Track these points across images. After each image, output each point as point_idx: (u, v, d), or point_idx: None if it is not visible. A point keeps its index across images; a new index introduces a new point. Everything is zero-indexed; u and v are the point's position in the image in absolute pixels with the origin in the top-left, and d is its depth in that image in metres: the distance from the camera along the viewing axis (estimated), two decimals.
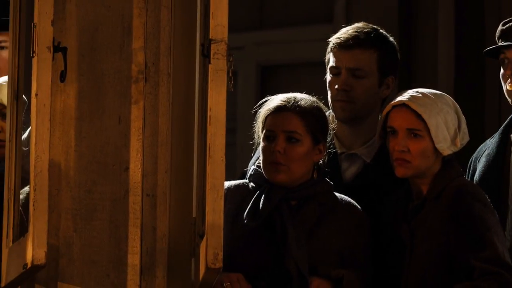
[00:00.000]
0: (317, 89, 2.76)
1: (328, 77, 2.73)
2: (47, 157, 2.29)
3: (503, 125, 2.73)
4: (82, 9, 2.43)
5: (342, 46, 2.69)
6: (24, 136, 2.38)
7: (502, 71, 2.63)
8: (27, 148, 2.32)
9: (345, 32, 2.72)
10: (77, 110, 2.43)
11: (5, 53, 3.22)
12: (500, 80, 2.69)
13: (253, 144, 2.64)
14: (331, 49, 2.73)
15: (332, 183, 2.50)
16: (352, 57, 2.68)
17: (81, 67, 2.43)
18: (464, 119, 2.47)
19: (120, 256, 2.41)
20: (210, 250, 2.13)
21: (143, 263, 2.41)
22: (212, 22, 2.23)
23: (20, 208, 2.40)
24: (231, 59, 2.19)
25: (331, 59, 2.72)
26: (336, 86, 2.67)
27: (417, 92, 2.40)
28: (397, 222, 2.46)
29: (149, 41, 2.43)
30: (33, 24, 2.31)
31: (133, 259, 2.42)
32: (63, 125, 2.43)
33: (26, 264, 2.25)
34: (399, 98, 2.43)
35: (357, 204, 2.48)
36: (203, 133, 2.30)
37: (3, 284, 2.45)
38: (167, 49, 2.46)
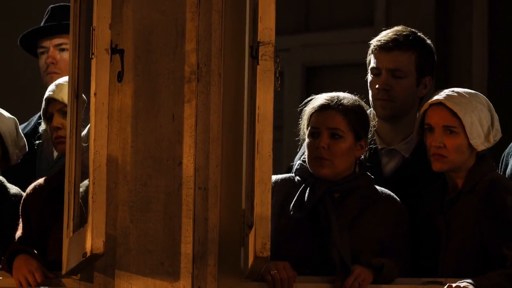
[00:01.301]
0: (359, 89, 2.87)
1: (369, 77, 2.81)
2: (105, 153, 2.38)
3: None
4: (138, 13, 2.52)
5: (382, 48, 2.77)
6: (84, 132, 2.47)
7: None
8: (86, 144, 2.41)
9: (385, 35, 2.81)
10: (133, 109, 2.51)
11: (66, 55, 3.32)
12: None
13: (298, 140, 2.73)
14: (372, 51, 2.82)
15: (373, 176, 2.58)
16: (392, 59, 2.76)
17: (137, 68, 2.52)
18: (497, 117, 2.46)
19: (173, 245, 2.49)
20: (259, 240, 2.20)
21: (195, 252, 2.49)
22: (260, 26, 2.31)
23: (80, 200, 2.50)
24: (278, 61, 2.25)
25: (372, 60, 2.80)
26: (377, 86, 2.76)
27: (452, 91, 2.45)
28: (433, 214, 2.54)
29: (201, 43, 2.52)
30: (92, 27, 2.40)
31: (186, 248, 2.51)
32: (120, 123, 2.51)
33: (85, 253, 2.34)
34: (436, 97, 2.51)
35: (396, 197, 2.57)
36: (251, 130, 2.38)
37: (64, 272, 2.55)
38: (218, 51, 2.54)
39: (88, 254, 2.18)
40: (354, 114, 2.44)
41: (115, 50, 2.30)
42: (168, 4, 2.43)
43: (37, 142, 2.99)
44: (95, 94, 2.23)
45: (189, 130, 2.41)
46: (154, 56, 2.43)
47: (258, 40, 2.16)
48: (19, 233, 2.62)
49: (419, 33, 2.78)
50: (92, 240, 2.16)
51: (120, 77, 2.32)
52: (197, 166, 2.40)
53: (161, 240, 2.41)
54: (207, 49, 2.44)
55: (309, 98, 2.55)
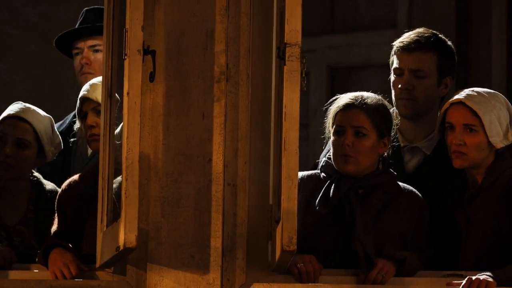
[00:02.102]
0: (382, 89, 2.92)
1: (392, 77, 2.87)
2: (137, 150, 2.43)
3: None
4: (169, 16, 2.57)
5: (405, 49, 2.82)
6: (117, 131, 2.53)
7: None
8: (119, 142, 2.47)
9: (407, 36, 2.86)
10: (164, 107, 2.57)
11: (100, 56, 3.38)
12: None
13: (324, 138, 2.80)
14: (394, 52, 2.87)
15: (395, 173, 2.65)
16: (414, 59, 2.81)
17: (169, 68, 2.57)
18: None
19: (203, 239, 2.55)
20: (285, 234, 2.25)
21: (224, 246, 2.55)
22: (287, 28, 2.36)
23: (113, 196, 2.57)
24: (304, 61, 2.31)
25: (394, 61, 2.85)
26: (400, 86, 2.81)
27: (472, 91, 2.50)
28: (454, 209, 2.59)
29: (230, 45, 2.57)
30: (125, 29, 2.45)
31: (216, 242, 2.57)
32: (152, 121, 2.57)
33: (118, 247, 2.40)
34: (456, 97, 2.56)
35: (418, 193, 2.63)
36: (279, 128, 2.43)
37: (98, 265, 2.62)
38: (246, 52, 2.59)
39: (121, 248, 2.24)
40: (378, 113, 2.48)
41: (147, 51, 2.36)
42: (198, 6, 2.49)
43: (71, 140, 3.05)
44: (128, 93, 2.28)
45: (219, 128, 2.46)
46: (185, 57, 2.48)
47: (285, 41, 2.19)
48: (54, 227, 2.68)
49: (440, 35, 2.83)
50: (125, 234, 2.21)
51: (152, 77, 2.38)
52: (226, 163, 2.45)
53: (192, 234, 2.45)
54: (235, 50, 2.49)
55: (334, 98, 2.60)
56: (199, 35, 2.53)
